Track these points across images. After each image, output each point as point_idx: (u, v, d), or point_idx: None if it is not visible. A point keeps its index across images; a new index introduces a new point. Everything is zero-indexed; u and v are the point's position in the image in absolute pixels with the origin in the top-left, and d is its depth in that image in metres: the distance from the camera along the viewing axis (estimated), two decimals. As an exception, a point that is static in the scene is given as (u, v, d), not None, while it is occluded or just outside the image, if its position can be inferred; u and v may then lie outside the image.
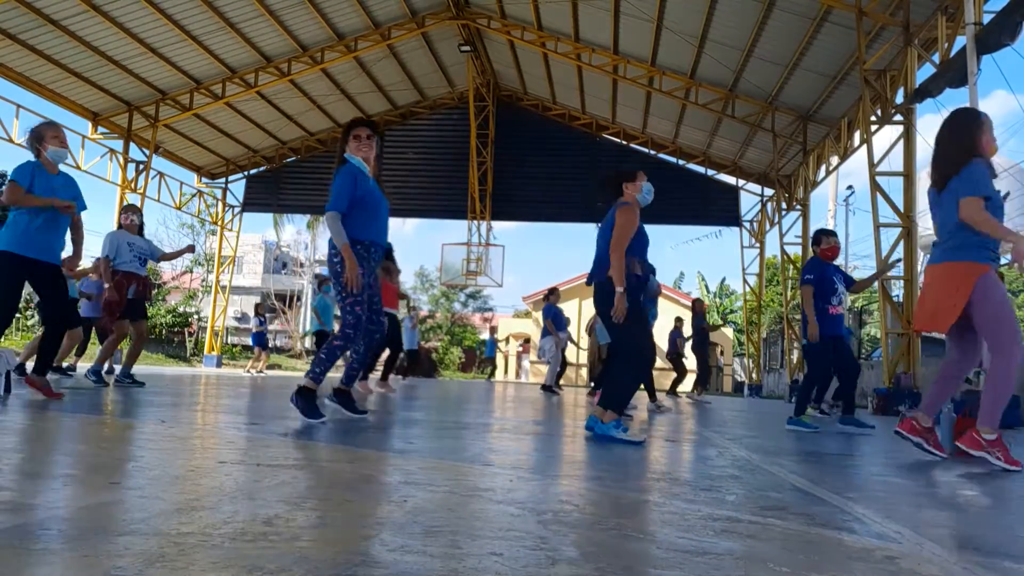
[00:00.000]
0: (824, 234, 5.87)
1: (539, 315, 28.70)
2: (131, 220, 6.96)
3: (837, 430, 5.56)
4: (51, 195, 4.59)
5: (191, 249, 7.77)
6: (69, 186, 4.82)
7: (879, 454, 4.02)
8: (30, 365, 8.50)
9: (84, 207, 4.91)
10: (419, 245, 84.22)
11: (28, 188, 4.50)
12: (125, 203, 7.28)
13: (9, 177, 4.53)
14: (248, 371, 15.29)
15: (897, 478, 2.96)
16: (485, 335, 40.99)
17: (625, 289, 3.71)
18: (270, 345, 39.07)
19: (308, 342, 18.74)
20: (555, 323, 11.07)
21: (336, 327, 4.75)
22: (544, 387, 11.32)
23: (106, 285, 6.71)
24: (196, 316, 26.33)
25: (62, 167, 4.90)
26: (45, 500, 1.61)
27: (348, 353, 4.08)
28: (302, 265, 38.50)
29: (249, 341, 40.39)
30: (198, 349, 23.60)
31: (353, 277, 3.72)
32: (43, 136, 4.72)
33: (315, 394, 3.81)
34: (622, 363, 3.90)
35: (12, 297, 4.58)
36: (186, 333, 26.14)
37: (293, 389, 3.82)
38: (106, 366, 7.79)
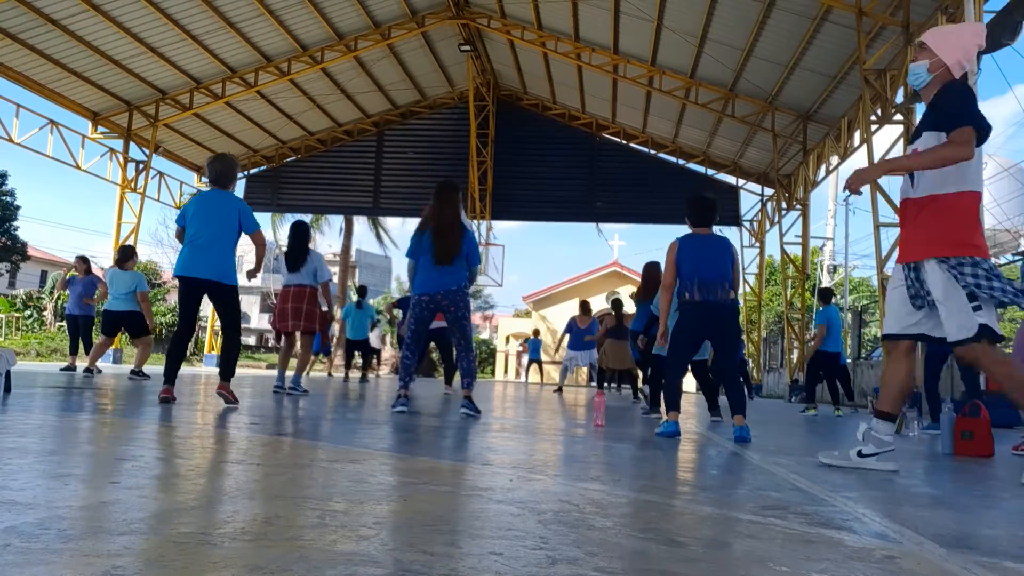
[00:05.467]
0: None
1: (540, 314, 29.08)
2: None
3: None
4: None
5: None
6: None
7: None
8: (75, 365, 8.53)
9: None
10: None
11: None
12: (302, 221, 7.41)
13: (258, 227, 4.94)
14: (361, 376, 13.18)
15: (897, 478, 2.96)
16: (485, 335, 40.94)
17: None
18: (270, 345, 39.15)
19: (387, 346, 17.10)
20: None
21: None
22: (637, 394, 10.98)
23: (323, 302, 7.06)
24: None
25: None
26: (45, 500, 1.61)
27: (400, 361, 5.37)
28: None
29: (251, 341, 40.52)
30: (198, 349, 23.56)
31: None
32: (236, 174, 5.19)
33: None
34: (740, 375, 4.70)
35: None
36: None
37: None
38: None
